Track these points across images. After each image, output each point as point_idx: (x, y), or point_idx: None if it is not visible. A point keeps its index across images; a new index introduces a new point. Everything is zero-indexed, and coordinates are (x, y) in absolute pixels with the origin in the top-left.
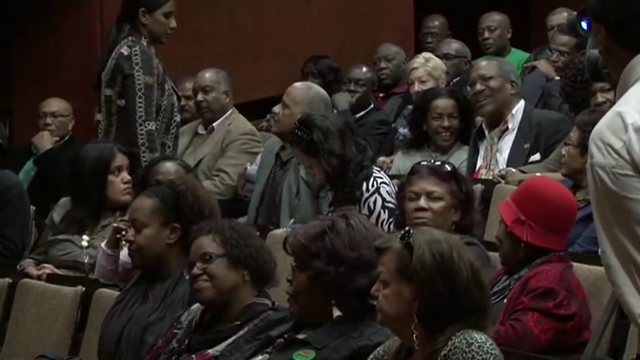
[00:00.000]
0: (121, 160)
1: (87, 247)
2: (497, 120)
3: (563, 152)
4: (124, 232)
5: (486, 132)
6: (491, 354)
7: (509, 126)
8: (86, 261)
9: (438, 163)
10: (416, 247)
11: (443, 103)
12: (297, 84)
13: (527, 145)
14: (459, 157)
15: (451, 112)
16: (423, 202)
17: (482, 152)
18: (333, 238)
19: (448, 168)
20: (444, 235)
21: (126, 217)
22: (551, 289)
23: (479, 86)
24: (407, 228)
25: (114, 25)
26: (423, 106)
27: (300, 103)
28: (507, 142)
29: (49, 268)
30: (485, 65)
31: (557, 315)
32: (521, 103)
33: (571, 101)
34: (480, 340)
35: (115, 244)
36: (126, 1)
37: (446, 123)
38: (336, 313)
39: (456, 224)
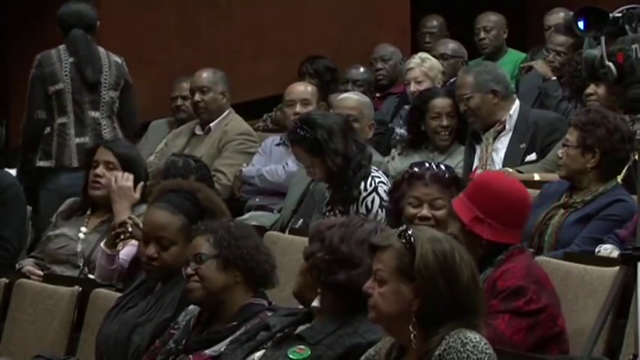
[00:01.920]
0: (101, 154)
1: (82, 239)
2: (485, 126)
3: (560, 154)
4: (125, 230)
5: (481, 133)
6: (486, 354)
7: (506, 126)
8: (79, 250)
9: (441, 167)
10: (418, 246)
11: (441, 103)
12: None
13: (523, 145)
14: (456, 158)
15: (449, 112)
16: (426, 211)
17: (478, 152)
18: (336, 231)
19: (451, 174)
20: (443, 235)
21: (125, 218)
22: (520, 287)
23: (462, 106)
24: (405, 227)
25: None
26: (421, 107)
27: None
28: (503, 142)
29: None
30: (460, 83)
31: (529, 311)
32: (517, 104)
33: (571, 88)
34: (474, 340)
35: (114, 244)
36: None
37: (445, 122)
38: (315, 303)
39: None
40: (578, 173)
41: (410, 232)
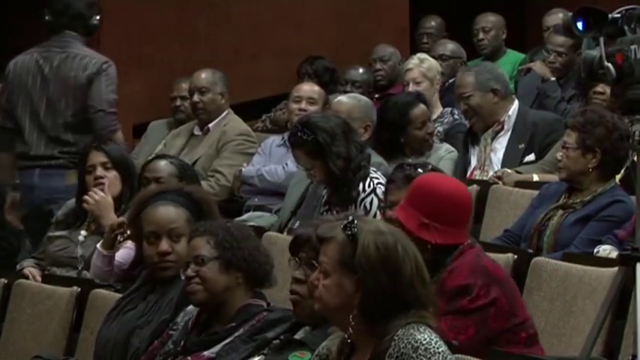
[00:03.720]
0: (93, 158)
1: (82, 242)
2: (486, 126)
3: (559, 157)
4: (123, 230)
5: (479, 133)
6: (438, 353)
7: (505, 127)
8: (79, 254)
9: (415, 168)
10: (360, 239)
11: (421, 111)
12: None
13: (521, 146)
14: (437, 156)
15: (428, 116)
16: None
17: (475, 153)
18: None
19: (422, 172)
20: (388, 227)
21: (123, 219)
22: (465, 285)
23: (462, 105)
24: (350, 218)
25: None
26: (401, 121)
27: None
28: (502, 143)
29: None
30: (460, 82)
31: (475, 308)
32: (515, 104)
33: (579, 86)
34: (424, 342)
35: (110, 245)
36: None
37: (430, 129)
38: None
39: None
40: (579, 174)
41: (354, 224)
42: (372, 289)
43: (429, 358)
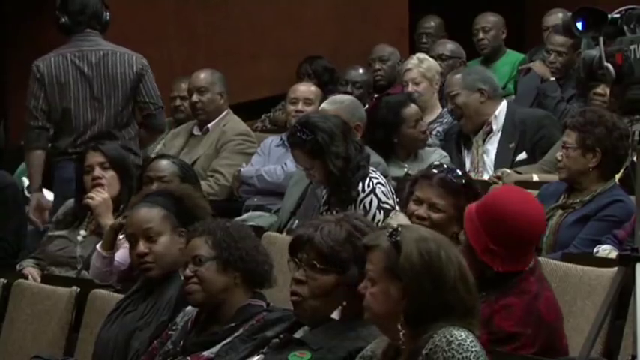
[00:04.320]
0: (91, 158)
1: (81, 242)
2: (475, 127)
3: (559, 157)
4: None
5: (471, 136)
6: (471, 351)
7: (493, 128)
8: (78, 254)
9: (455, 173)
10: (404, 245)
11: (414, 110)
12: None
13: (512, 145)
14: (429, 159)
15: (421, 114)
16: (423, 211)
17: (469, 156)
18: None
19: (461, 182)
20: (432, 234)
21: (122, 219)
22: (514, 334)
23: (450, 105)
24: (395, 226)
25: None
26: (394, 120)
27: None
28: (493, 144)
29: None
30: (449, 82)
31: (516, 353)
32: (503, 104)
33: (578, 86)
34: (459, 338)
35: (110, 246)
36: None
37: (423, 126)
38: (335, 314)
39: (456, 235)
40: (579, 174)
41: (398, 232)
42: (417, 294)
43: (461, 353)
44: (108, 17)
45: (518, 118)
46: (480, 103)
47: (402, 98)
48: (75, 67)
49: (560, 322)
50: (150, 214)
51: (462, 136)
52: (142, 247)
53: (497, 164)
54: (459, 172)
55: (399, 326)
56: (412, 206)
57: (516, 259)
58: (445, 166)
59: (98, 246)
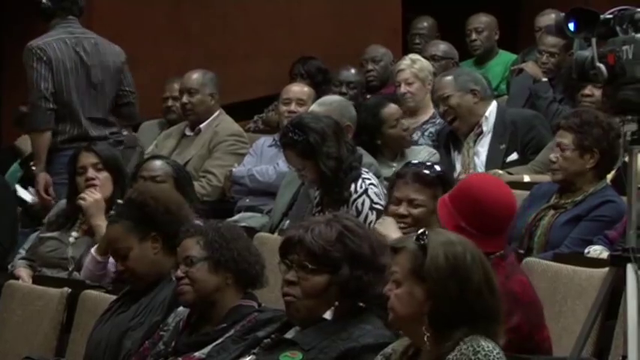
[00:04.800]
0: (84, 159)
1: (73, 243)
2: (470, 128)
3: (554, 158)
4: None
5: (462, 138)
6: None
7: (484, 129)
8: (70, 255)
9: (428, 166)
10: (430, 248)
11: (393, 109)
12: None
13: (503, 146)
14: (420, 158)
15: (401, 113)
16: (403, 209)
17: (459, 158)
18: (355, 241)
19: (434, 173)
20: (458, 238)
21: None
22: None
23: (442, 107)
24: (423, 229)
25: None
26: (374, 122)
27: None
28: (483, 145)
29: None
30: (439, 85)
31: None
32: (494, 105)
33: (566, 87)
34: (486, 349)
35: (105, 251)
36: None
37: (405, 124)
38: (327, 315)
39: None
40: (576, 175)
41: (425, 235)
42: (441, 297)
43: None
44: (83, 2)
45: (508, 119)
46: (473, 104)
47: (380, 99)
48: (75, 53)
49: (539, 309)
50: (114, 233)
51: (451, 138)
52: (119, 265)
53: (488, 165)
54: (432, 165)
55: (424, 329)
56: (392, 207)
57: (488, 241)
58: (413, 163)
59: (93, 250)
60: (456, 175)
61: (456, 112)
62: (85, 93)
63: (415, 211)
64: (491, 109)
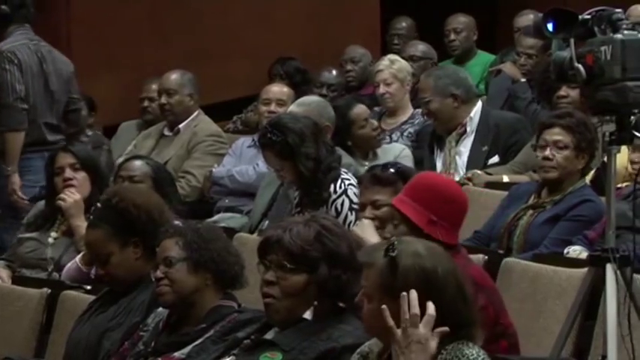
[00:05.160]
0: (61, 159)
1: (52, 244)
2: (452, 129)
3: (550, 156)
4: None
5: (444, 136)
6: None
7: (467, 129)
8: (49, 256)
9: (384, 166)
10: (400, 266)
11: (360, 109)
12: None
13: (485, 148)
14: (393, 155)
15: (369, 113)
16: (368, 212)
17: (441, 156)
18: (333, 240)
19: (388, 172)
20: (428, 250)
21: None
22: None
23: (423, 109)
24: (392, 240)
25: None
26: (343, 124)
27: None
28: (466, 146)
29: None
30: (421, 86)
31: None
32: (478, 106)
33: (540, 90)
34: (471, 357)
35: (91, 261)
36: None
37: (375, 124)
38: (307, 315)
39: None
40: (569, 174)
41: (393, 248)
42: None
43: None
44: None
45: (492, 122)
46: (453, 109)
47: (347, 101)
48: (37, 59)
49: (499, 296)
50: (94, 238)
51: (435, 137)
52: (98, 269)
53: (469, 166)
54: (387, 164)
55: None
56: (360, 214)
57: (452, 232)
58: (371, 168)
59: (78, 259)
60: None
61: (436, 115)
62: (43, 99)
63: (379, 212)
64: (476, 110)
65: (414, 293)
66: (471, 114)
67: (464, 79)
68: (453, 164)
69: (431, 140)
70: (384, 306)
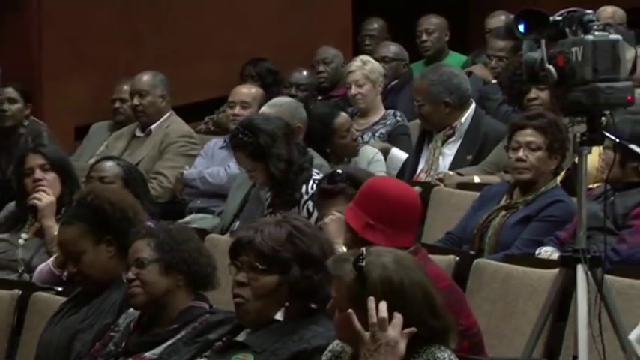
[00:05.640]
0: (31, 161)
1: (23, 245)
2: (442, 129)
3: (523, 157)
4: None
5: (434, 132)
6: None
7: (456, 133)
8: (20, 257)
9: (329, 180)
10: (367, 277)
11: (344, 119)
12: None
13: (470, 157)
14: (366, 159)
15: (351, 123)
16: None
17: (425, 155)
18: (304, 241)
19: (338, 179)
20: (396, 260)
21: None
22: None
23: (416, 109)
24: (360, 252)
25: None
26: (325, 132)
27: None
28: (451, 149)
29: None
30: (415, 87)
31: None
32: (470, 110)
33: (510, 93)
34: None
35: (64, 264)
36: None
37: (355, 133)
38: (278, 315)
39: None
40: (542, 175)
41: (362, 259)
42: None
43: None
44: None
45: (482, 130)
46: (445, 114)
47: (330, 109)
48: None
49: (459, 296)
50: (68, 235)
51: (425, 134)
52: (70, 267)
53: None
54: (333, 174)
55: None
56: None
57: (397, 237)
58: (320, 181)
59: (50, 262)
60: (418, 171)
61: (426, 120)
62: None
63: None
64: (468, 114)
65: (383, 302)
66: (462, 119)
67: (457, 85)
68: (434, 165)
69: (420, 139)
70: (350, 310)
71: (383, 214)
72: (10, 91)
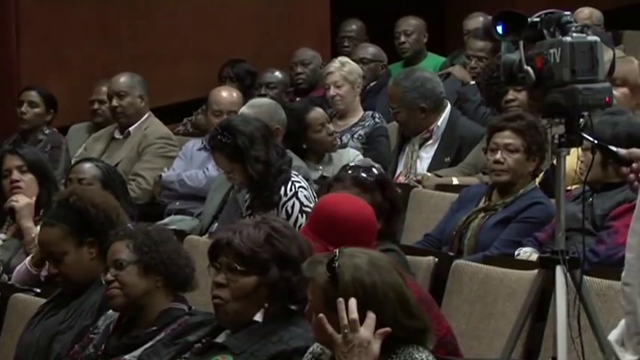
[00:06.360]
0: (9, 162)
1: (1, 246)
2: (419, 132)
3: (501, 159)
4: None
5: (411, 136)
6: None
7: (433, 136)
8: None
9: (368, 169)
10: (340, 279)
11: (317, 113)
12: None
13: (447, 159)
14: (348, 159)
15: (326, 117)
16: None
17: (403, 157)
18: (283, 242)
19: (373, 177)
20: (369, 261)
21: None
22: None
23: (392, 116)
24: (334, 254)
25: None
26: (299, 127)
27: None
28: (429, 152)
29: None
30: (389, 93)
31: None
32: (446, 112)
33: (488, 95)
34: None
35: (40, 263)
36: None
37: (331, 128)
38: (258, 317)
39: (379, 232)
40: (520, 177)
41: (334, 260)
42: None
43: None
44: None
45: (458, 132)
46: (421, 119)
47: (304, 104)
48: None
49: (428, 304)
50: (49, 236)
51: (403, 138)
52: (51, 268)
53: None
54: (371, 169)
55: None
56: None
57: None
58: (356, 164)
59: (27, 262)
60: (396, 174)
61: (403, 124)
62: None
63: None
64: (444, 117)
65: (352, 299)
66: (439, 122)
67: (432, 90)
68: (412, 168)
69: (399, 141)
70: (321, 315)
71: (338, 238)
72: (33, 95)
